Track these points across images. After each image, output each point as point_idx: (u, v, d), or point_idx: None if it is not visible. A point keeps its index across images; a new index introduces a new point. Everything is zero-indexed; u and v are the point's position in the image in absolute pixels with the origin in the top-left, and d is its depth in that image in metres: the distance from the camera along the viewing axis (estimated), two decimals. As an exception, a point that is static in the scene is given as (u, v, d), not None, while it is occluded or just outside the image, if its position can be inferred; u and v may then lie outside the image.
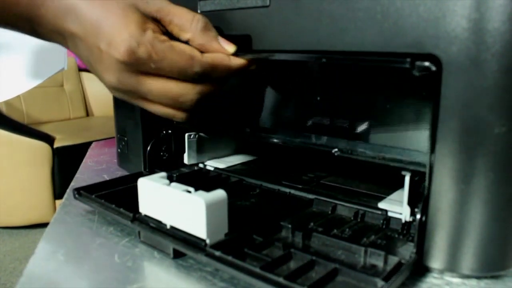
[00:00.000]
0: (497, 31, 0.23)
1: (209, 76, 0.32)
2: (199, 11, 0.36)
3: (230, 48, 0.33)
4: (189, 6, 0.36)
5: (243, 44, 0.33)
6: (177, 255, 0.31)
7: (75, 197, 0.40)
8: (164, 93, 0.32)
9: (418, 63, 0.25)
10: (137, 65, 0.30)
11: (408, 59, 0.25)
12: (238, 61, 0.33)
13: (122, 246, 0.34)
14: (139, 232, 0.34)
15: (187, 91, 0.32)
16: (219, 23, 0.35)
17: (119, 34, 0.30)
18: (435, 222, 0.27)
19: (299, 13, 0.30)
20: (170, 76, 0.31)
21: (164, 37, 0.31)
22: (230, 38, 0.34)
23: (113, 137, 0.54)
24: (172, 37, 0.32)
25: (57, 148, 1.85)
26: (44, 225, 1.88)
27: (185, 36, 0.33)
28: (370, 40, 0.27)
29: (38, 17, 0.31)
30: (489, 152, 0.24)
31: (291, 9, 0.30)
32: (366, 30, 0.27)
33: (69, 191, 0.45)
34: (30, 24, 0.32)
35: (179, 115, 0.34)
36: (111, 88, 0.33)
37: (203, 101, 0.33)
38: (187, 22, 0.32)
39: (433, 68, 0.25)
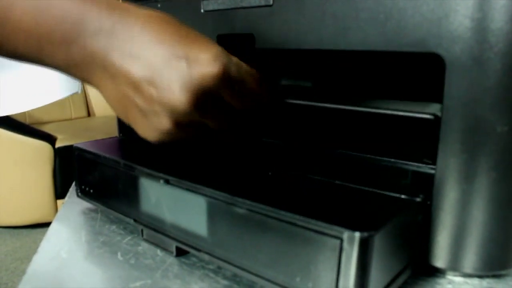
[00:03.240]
0: (500, 31, 0.23)
1: None
2: (202, 11, 0.36)
3: None
4: (191, 6, 0.36)
5: (246, 43, 0.34)
6: (180, 253, 0.32)
7: (78, 196, 0.40)
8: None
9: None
10: (223, 85, 0.27)
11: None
12: None
13: (125, 244, 0.34)
14: (142, 230, 0.34)
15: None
16: (222, 22, 0.35)
17: (208, 50, 0.26)
18: (437, 221, 0.27)
19: (302, 13, 0.30)
20: (242, 102, 0.30)
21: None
22: (233, 37, 0.34)
23: (115, 137, 0.54)
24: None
25: (59, 148, 1.86)
26: (45, 225, 1.88)
27: None
28: (373, 39, 0.27)
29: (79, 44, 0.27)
30: (491, 152, 0.24)
31: (294, 8, 0.30)
32: (369, 30, 0.27)
33: (71, 190, 0.46)
34: (68, 49, 0.27)
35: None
36: (186, 112, 0.27)
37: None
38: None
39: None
